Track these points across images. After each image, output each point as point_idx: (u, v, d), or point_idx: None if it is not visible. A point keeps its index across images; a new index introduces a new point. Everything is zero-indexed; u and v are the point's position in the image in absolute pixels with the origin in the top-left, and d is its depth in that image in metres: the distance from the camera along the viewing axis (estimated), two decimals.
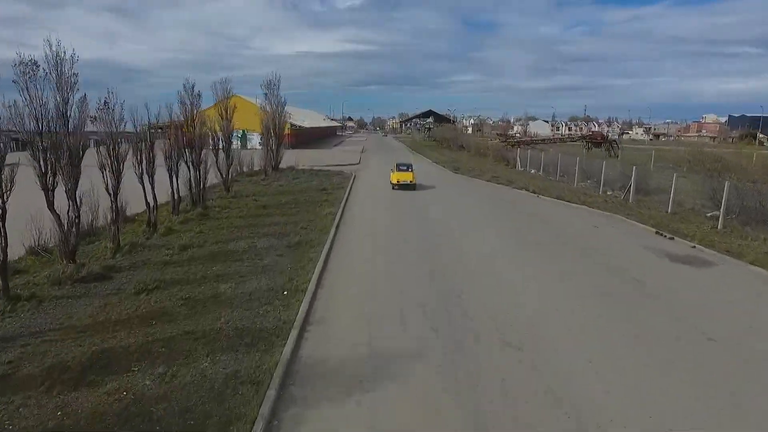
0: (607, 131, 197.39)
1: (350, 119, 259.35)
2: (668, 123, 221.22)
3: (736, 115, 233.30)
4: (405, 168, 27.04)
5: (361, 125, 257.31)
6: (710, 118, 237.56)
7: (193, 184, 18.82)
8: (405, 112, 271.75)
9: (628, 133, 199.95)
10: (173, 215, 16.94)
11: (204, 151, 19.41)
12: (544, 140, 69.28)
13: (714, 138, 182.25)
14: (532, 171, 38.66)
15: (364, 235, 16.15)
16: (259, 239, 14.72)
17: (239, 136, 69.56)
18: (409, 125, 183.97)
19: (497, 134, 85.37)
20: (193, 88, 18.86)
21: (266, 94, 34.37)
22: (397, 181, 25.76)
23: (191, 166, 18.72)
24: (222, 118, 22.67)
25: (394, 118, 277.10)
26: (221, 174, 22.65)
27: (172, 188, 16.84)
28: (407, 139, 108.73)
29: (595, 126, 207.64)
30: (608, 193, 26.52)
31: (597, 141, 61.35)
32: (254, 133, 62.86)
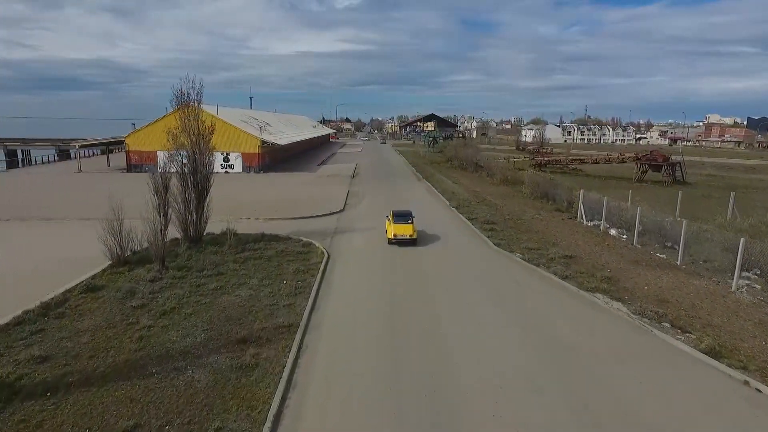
0: (624, 136, 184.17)
1: (348, 120, 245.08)
2: (672, 124, 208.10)
3: (756, 117, 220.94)
4: (404, 218, 22.75)
5: (359, 127, 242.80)
6: (714, 117, 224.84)
7: None
8: (404, 115, 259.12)
9: (645, 137, 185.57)
10: None
11: None
12: (582, 160, 55.07)
13: (740, 143, 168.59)
14: (612, 231, 24.64)
15: None
16: None
17: None
18: (408, 129, 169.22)
19: (519, 148, 71.12)
20: None
21: (181, 117, 20.32)
22: (395, 235, 21.91)
23: None
24: None
25: (392, 120, 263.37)
26: None
27: None
28: (408, 148, 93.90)
29: (609, 130, 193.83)
30: None
31: (657, 163, 47.40)
32: (233, 153, 49.25)
